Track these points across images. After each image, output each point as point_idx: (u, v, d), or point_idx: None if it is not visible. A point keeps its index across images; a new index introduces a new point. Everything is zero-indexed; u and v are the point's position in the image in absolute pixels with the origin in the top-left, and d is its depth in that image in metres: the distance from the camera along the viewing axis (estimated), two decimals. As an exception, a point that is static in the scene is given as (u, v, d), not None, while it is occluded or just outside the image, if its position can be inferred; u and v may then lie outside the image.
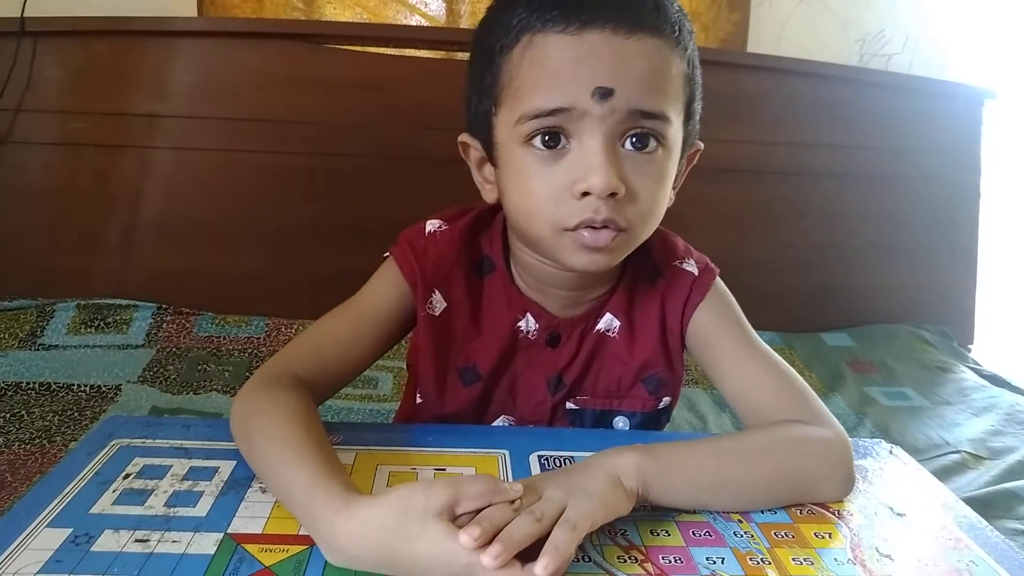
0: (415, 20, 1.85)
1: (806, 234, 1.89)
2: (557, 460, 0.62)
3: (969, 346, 1.96)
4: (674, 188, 0.68)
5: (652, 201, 0.60)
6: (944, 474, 1.25)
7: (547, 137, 0.58)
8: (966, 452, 1.33)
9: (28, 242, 1.62)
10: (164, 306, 1.62)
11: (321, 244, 1.65)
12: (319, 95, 1.65)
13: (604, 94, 0.56)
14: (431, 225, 0.71)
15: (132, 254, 1.65)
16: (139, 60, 1.60)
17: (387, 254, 0.71)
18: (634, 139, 0.58)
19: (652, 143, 0.59)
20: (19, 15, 1.52)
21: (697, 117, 0.66)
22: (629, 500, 0.52)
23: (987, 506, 1.12)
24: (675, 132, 0.61)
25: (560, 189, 0.58)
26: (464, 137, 0.68)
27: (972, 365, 1.77)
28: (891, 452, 0.70)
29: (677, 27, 0.59)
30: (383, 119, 1.65)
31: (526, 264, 0.69)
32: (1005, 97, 1.98)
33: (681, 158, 0.65)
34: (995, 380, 1.68)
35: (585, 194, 0.57)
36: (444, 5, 1.84)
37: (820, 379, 1.63)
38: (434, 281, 0.69)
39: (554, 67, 0.57)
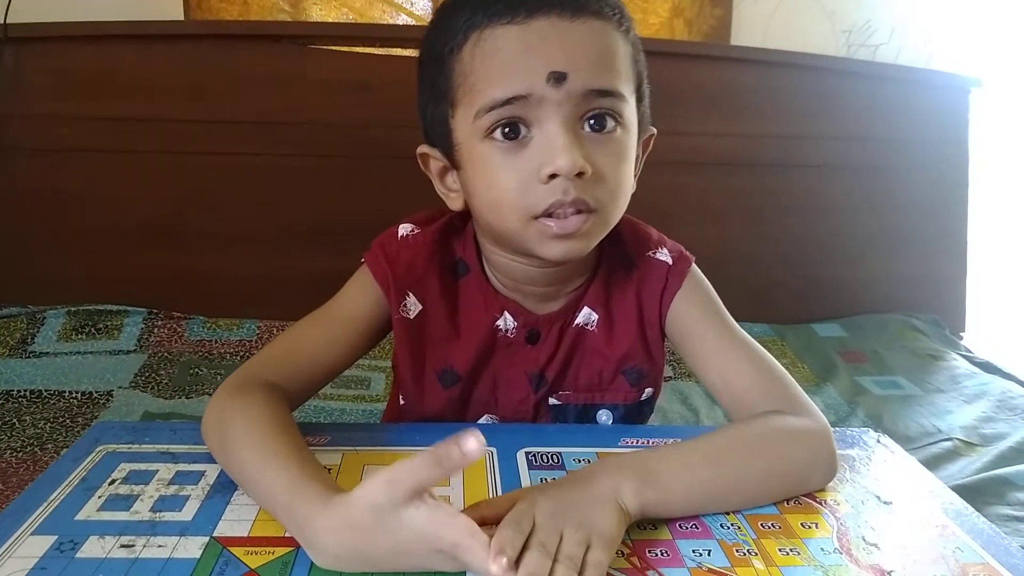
0: (401, 19, 1.85)
1: (796, 226, 1.90)
2: (544, 456, 0.62)
3: (961, 333, 1.96)
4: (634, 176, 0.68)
5: (618, 180, 0.61)
6: (936, 462, 1.26)
7: (507, 128, 0.59)
8: (958, 439, 1.34)
9: (17, 249, 1.62)
10: (155, 311, 1.62)
11: (311, 245, 1.65)
12: (306, 96, 1.65)
13: (559, 78, 0.57)
14: (403, 229, 0.71)
15: (122, 259, 1.64)
16: (124, 64, 1.60)
17: (363, 260, 0.71)
18: (592, 120, 0.59)
19: (610, 123, 0.60)
20: (2, 22, 1.52)
21: (647, 101, 0.66)
22: (627, 523, 0.52)
23: (979, 493, 1.13)
24: (631, 112, 0.62)
25: (527, 177, 0.58)
26: (423, 148, 0.68)
27: (964, 352, 1.78)
28: (878, 441, 0.70)
29: (618, 10, 0.61)
30: (371, 119, 1.65)
31: (499, 265, 0.69)
32: (992, 85, 1.99)
33: (639, 141, 0.65)
34: (987, 367, 1.69)
35: (552, 177, 0.58)
36: (430, 4, 1.84)
37: (812, 370, 1.64)
38: (407, 284, 0.69)
39: (506, 57, 0.58)
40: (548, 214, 0.59)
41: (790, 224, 1.89)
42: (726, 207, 1.85)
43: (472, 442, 0.43)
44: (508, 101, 0.57)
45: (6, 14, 1.53)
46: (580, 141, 0.58)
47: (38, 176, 1.61)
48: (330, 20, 1.81)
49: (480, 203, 0.63)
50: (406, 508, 0.45)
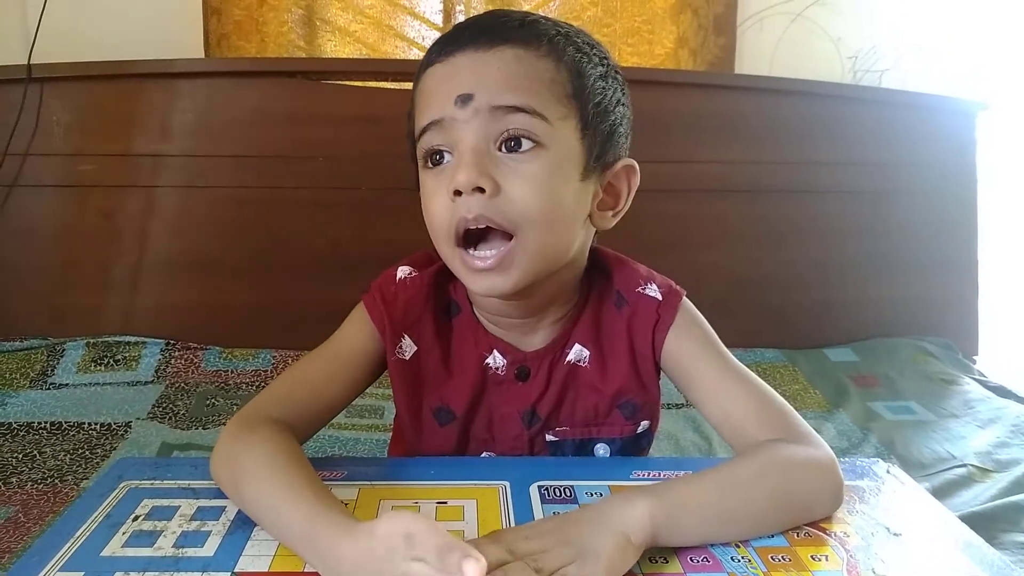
0: (413, 53, 1.89)
1: (806, 251, 1.90)
2: (558, 490, 0.63)
3: (974, 357, 1.95)
4: (614, 211, 0.68)
5: (532, 201, 0.60)
6: (950, 488, 1.25)
7: (437, 155, 0.63)
8: (972, 465, 1.32)
9: (38, 282, 1.65)
10: (172, 342, 1.64)
11: (325, 276, 1.67)
12: (321, 130, 1.68)
13: (465, 99, 0.60)
14: (401, 272, 0.73)
15: (139, 291, 1.67)
16: (143, 102, 1.64)
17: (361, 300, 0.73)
18: (511, 142, 0.61)
19: (526, 143, 0.61)
20: (26, 62, 1.57)
21: (608, 130, 0.66)
22: (635, 555, 0.52)
23: (994, 520, 1.12)
24: (558, 134, 0.62)
25: (444, 197, 0.62)
26: None
27: (977, 376, 1.77)
28: (888, 471, 0.71)
29: (548, 40, 0.63)
30: (384, 152, 1.65)
31: (476, 299, 0.71)
32: (999, 107, 2.00)
33: (590, 170, 0.65)
34: (1000, 391, 1.68)
35: (458, 194, 0.60)
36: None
37: (824, 395, 1.64)
38: (403, 327, 0.71)
39: (429, 90, 0.64)
40: (466, 245, 0.62)
41: (800, 249, 1.90)
42: (735, 233, 1.86)
43: (472, 569, 0.43)
44: (427, 127, 0.62)
45: (30, 55, 1.58)
46: (490, 160, 0.60)
47: (60, 211, 1.65)
48: (344, 56, 1.85)
49: (428, 230, 0.67)
50: (415, 562, 0.45)
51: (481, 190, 0.59)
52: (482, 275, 0.62)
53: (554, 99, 0.62)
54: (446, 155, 0.62)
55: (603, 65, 0.66)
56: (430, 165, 0.64)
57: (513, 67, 0.61)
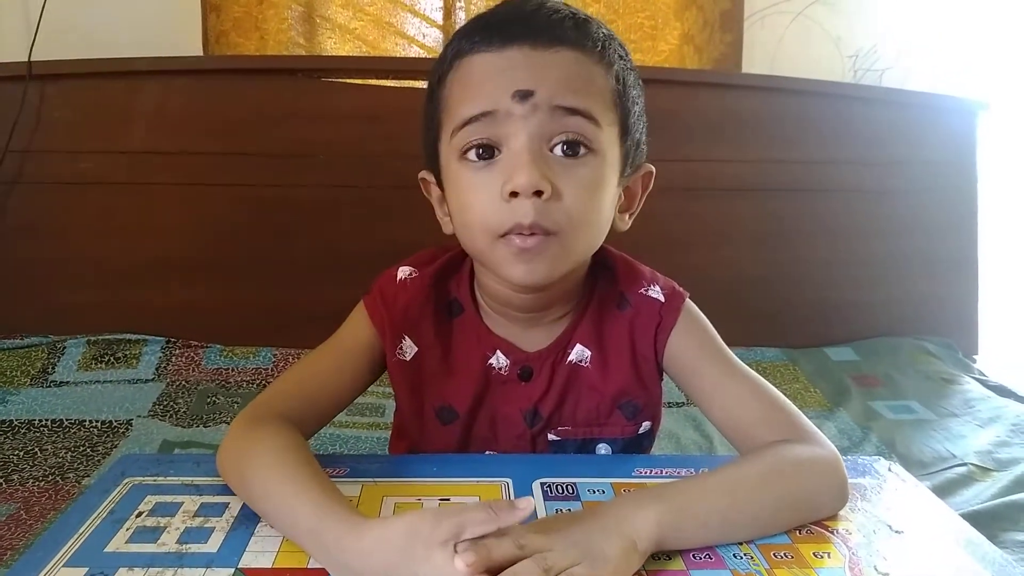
0: (414, 51, 1.88)
1: (806, 250, 1.90)
2: (560, 487, 0.63)
3: (974, 356, 1.95)
4: (629, 213, 0.69)
5: (581, 206, 0.61)
6: (951, 487, 1.25)
7: (481, 150, 0.61)
8: (973, 464, 1.32)
9: (39, 280, 1.65)
10: (173, 340, 1.64)
11: (325, 274, 1.67)
12: (320, 128, 1.68)
13: (524, 95, 0.59)
14: (402, 272, 0.73)
15: (140, 289, 1.67)
16: (144, 99, 1.64)
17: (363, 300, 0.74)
18: (565, 146, 0.60)
19: (581, 149, 0.61)
20: (27, 60, 1.57)
21: (639, 137, 0.67)
22: (640, 561, 0.52)
23: (995, 518, 1.12)
24: (606, 140, 0.62)
25: (493, 195, 0.60)
26: (423, 173, 0.71)
27: (977, 376, 1.77)
28: (890, 469, 0.71)
29: (601, 44, 0.63)
30: (384, 150, 1.67)
31: (487, 288, 0.70)
32: (999, 106, 2.00)
33: (623, 176, 0.66)
34: (1001, 390, 1.68)
35: (513, 195, 0.59)
36: (441, 35, 1.88)
37: (825, 395, 1.64)
38: (404, 328, 0.71)
39: (477, 78, 0.61)
40: (510, 234, 0.61)
41: (801, 248, 1.90)
42: (737, 232, 1.86)
43: (525, 502, 0.47)
44: (475, 118, 0.60)
45: (30, 52, 1.57)
46: (545, 161, 0.60)
47: (60, 208, 1.65)
48: (343, 53, 1.84)
49: (457, 224, 0.66)
50: (438, 548, 0.46)
51: (539, 193, 0.59)
52: (523, 261, 0.60)
53: (604, 105, 0.62)
54: (495, 151, 0.61)
55: (633, 71, 0.67)
56: (474, 159, 0.61)
57: (574, 69, 0.60)
